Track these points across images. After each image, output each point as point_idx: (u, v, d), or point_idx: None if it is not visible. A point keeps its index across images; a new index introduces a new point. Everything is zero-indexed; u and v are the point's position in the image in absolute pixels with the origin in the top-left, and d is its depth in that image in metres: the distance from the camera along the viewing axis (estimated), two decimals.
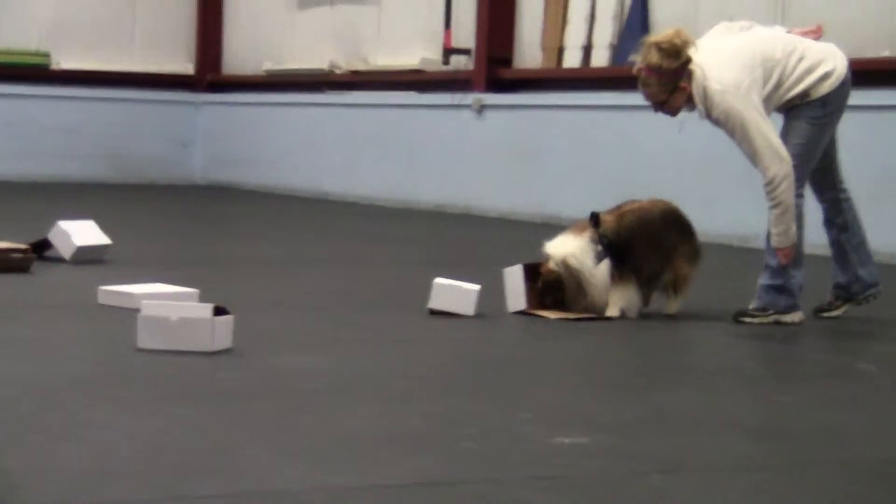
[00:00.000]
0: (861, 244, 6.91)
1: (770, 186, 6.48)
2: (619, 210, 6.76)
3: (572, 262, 6.51)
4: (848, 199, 6.91)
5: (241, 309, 5.45)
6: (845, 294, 6.93)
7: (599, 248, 6.56)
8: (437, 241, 11.04)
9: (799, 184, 6.60)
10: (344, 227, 12.11)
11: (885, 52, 10.59)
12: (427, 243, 10.86)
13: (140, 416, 4.17)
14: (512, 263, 6.76)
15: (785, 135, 6.66)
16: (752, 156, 6.51)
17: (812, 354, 6.20)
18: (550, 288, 6.60)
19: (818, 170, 6.78)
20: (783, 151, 6.46)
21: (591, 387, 5.06)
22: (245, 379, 4.82)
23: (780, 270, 6.61)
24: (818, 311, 6.95)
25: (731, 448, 4.10)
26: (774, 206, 6.50)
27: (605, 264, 6.57)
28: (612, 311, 6.61)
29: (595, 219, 6.65)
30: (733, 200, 11.02)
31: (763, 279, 6.69)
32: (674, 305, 6.80)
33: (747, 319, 6.63)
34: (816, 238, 7.38)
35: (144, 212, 13.14)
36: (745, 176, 11.08)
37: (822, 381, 5.36)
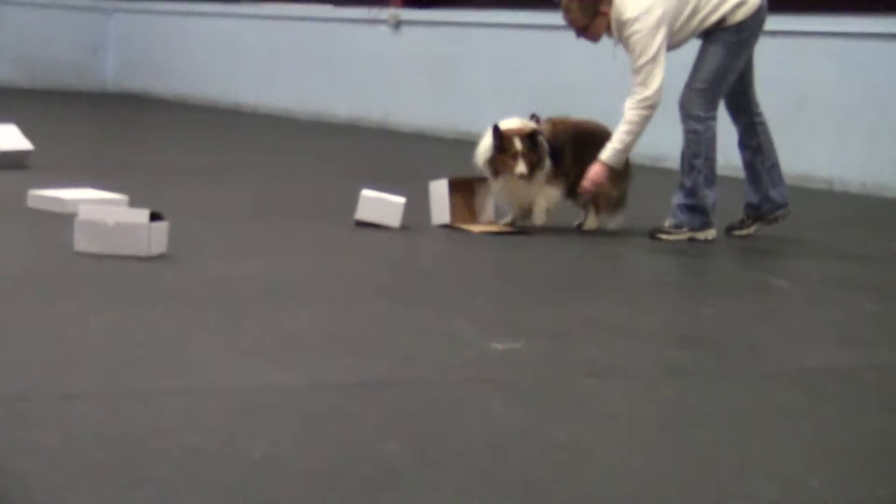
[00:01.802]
0: (773, 166, 7.14)
1: (639, 104, 6.69)
2: (552, 120, 6.92)
3: (540, 138, 6.65)
4: (762, 123, 7.12)
5: (172, 216, 5.54)
6: (756, 213, 7.17)
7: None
8: (356, 155, 11.15)
9: (711, 106, 6.82)
10: (262, 139, 12.17)
11: None
12: (346, 156, 10.96)
13: (88, 315, 4.29)
14: (430, 178, 6.90)
15: (700, 59, 6.85)
16: (637, 72, 6.71)
17: (727, 270, 6.43)
18: (533, 144, 6.62)
19: (734, 93, 6.99)
20: (658, 84, 6.66)
21: (522, 296, 5.24)
22: (184, 283, 4.94)
23: (693, 190, 6.83)
24: (729, 228, 7.19)
25: (657, 354, 4.30)
26: (629, 124, 6.72)
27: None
28: (539, 217, 6.77)
29: (535, 119, 6.82)
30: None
31: (677, 198, 6.90)
32: (592, 221, 6.99)
33: (663, 236, 6.84)
34: (730, 160, 7.61)
35: (60, 118, 13.08)
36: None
37: (740, 294, 5.59)
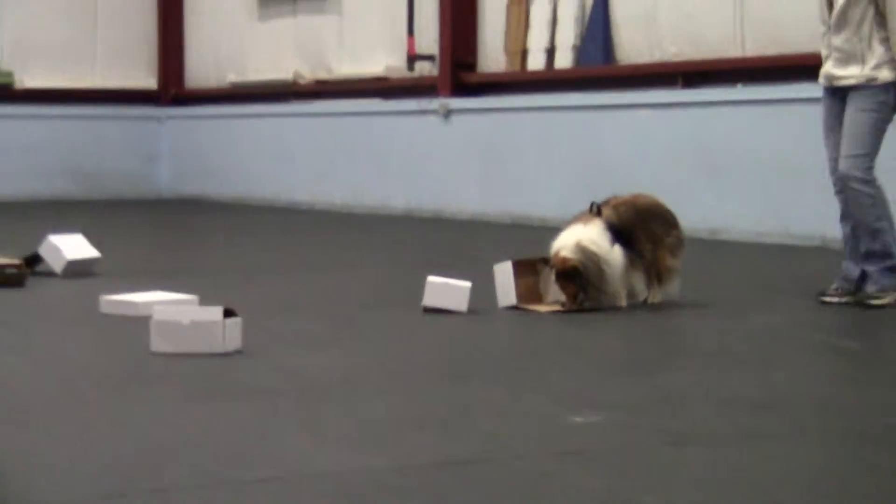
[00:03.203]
0: None
1: None
2: (611, 203, 7.00)
3: (590, 245, 6.69)
4: None
5: (242, 313, 5.64)
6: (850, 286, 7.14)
7: (610, 234, 6.79)
8: (414, 244, 11.26)
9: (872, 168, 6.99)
10: (320, 235, 12.31)
11: None
12: (405, 246, 11.07)
13: (173, 411, 4.38)
14: (490, 262, 6.99)
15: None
16: None
17: (793, 335, 6.45)
18: (569, 277, 6.71)
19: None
20: None
21: (596, 371, 5.30)
22: (262, 376, 5.02)
23: (887, 251, 6.92)
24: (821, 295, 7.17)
25: (733, 420, 4.34)
26: None
27: (619, 249, 6.78)
28: (621, 301, 6.83)
29: (597, 209, 6.90)
30: (701, 195, 11.29)
31: (873, 265, 6.95)
32: (657, 295, 7.04)
33: (875, 301, 6.89)
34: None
35: (120, 226, 13.28)
36: (711, 170, 11.39)
37: (809, 357, 5.61)
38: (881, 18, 6.92)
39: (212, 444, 3.94)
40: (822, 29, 7.16)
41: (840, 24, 6.99)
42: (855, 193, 6.93)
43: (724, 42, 11.80)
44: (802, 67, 11.04)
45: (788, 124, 10.86)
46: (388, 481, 3.57)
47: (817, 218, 10.30)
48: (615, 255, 6.77)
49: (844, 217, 7.11)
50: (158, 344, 5.49)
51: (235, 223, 13.86)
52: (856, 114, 6.96)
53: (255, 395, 4.66)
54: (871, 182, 6.92)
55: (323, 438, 4.02)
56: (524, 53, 13.55)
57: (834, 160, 7.09)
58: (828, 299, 7.09)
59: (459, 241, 11.55)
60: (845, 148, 6.96)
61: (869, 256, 6.96)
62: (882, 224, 6.91)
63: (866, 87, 6.93)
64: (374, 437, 4.06)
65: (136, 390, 4.75)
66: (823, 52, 7.17)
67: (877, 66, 6.92)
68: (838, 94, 7.09)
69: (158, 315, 5.53)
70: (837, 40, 7.02)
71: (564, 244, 6.74)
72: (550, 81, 13.31)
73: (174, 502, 3.37)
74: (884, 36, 6.93)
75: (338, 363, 5.32)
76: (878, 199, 6.91)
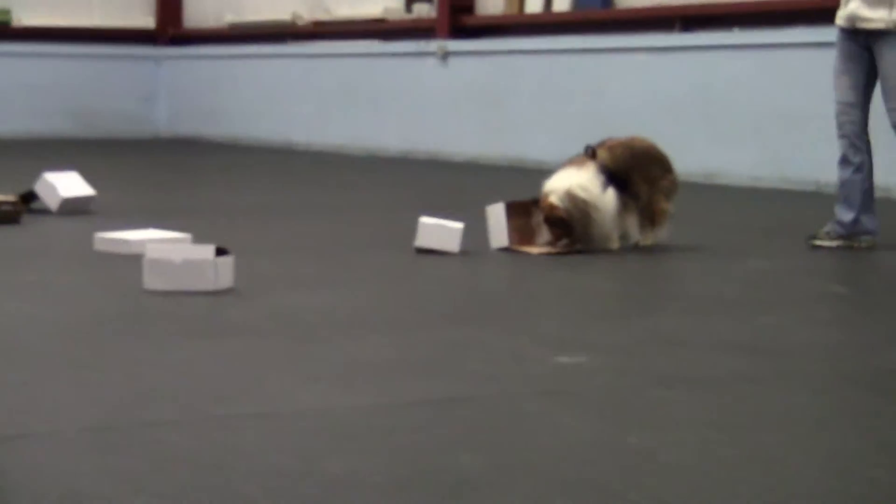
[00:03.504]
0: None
1: None
2: (606, 144, 7.00)
3: (579, 192, 6.69)
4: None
5: (235, 252, 5.66)
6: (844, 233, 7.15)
7: (603, 177, 6.80)
8: (409, 186, 11.27)
9: None
10: (316, 176, 12.32)
11: None
12: (400, 188, 11.09)
13: (163, 349, 4.41)
14: (485, 204, 7.00)
15: None
16: None
17: (785, 281, 6.47)
18: (555, 224, 6.75)
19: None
20: None
21: (585, 313, 5.32)
22: (252, 315, 5.05)
23: None
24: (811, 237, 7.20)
25: (722, 363, 4.37)
26: None
27: (611, 194, 6.79)
28: (613, 244, 6.85)
29: (592, 151, 6.90)
30: (698, 138, 11.30)
31: None
32: (649, 238, 7.06)
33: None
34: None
35: (117, 165, 13.29)
36: (708, 114, 11.39)
37: (800, 303, 5.63)
38: None
39: (199, 381, 3.97)
40: None
41: None
42: None
43: None
44: (799, 12, 11.02)
45: (785, 69, 10.85)
46: (372, 418, 3.60)
47: (812, 163, 10.32)
48: (607, 199, 6.77)
49: (844, 161, 7.10)
50: (151, 281, 5.51)
51: (231, 163, 13.86)
52: (893, 66, 6.91)
53: (244, 334, 4.69)
54: None
55: (310, 377, 4.05)
56: None
57: (844, 104, 7.04)
58: (819, 242, 7.11)
59: (455, 183, 11.56)
60: (892, 100, 6.91)
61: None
62: None
63: (894, 32, 6.88)
64: (361, 376, 4.09)
65: (126, 328, 4.78)
66: None
67: None
68: (859, 38, 7.02)
69: (151, 253, 5.55)
70: None
71: (554, 188, 6.75)
72: (548, 24, 13.29)
73: (159, 436, 3.39)
74: None
75: (328, 303, 5.35)
76: None
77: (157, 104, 18.27)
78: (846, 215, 7.07)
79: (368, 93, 14.97)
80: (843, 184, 7.10)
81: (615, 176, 6.82)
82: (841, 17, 7.08)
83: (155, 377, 4.01)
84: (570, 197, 6.69)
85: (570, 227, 6.72)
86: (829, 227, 7.13)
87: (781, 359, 4.46)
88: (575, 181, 6.73)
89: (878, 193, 7.28)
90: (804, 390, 4.04)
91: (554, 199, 6.71)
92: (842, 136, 7.08)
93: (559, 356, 4.36)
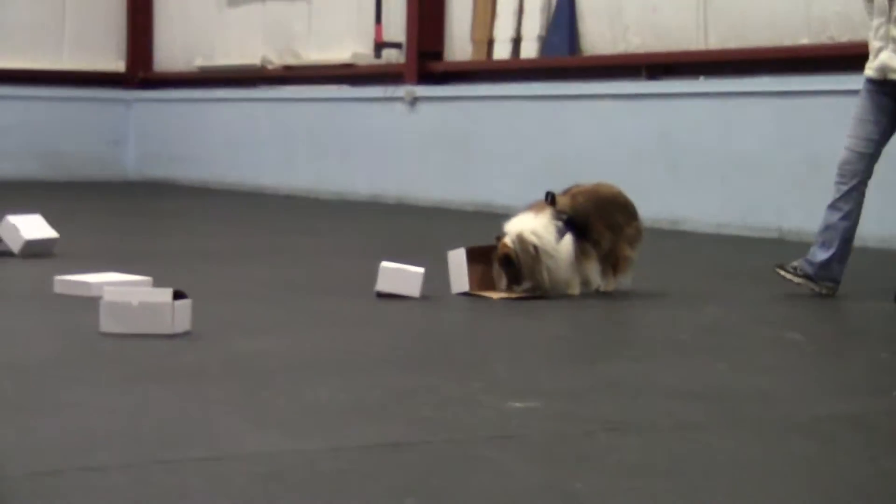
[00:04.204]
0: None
1: None
2: (570, 191, 7.05)
3: (528, 236, 6.74)
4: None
5: (195, 297, 5.66)
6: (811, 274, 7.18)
7: (560, 223, 6.84)
8: (375, 231, 11.29)
9: None
10: (283, 220, 12.33)
11: (804, 41, 10.96)
12: (366, 233, 11.10)
13: (113, 393, 4.40)
14: (448, 249, 7.02)
15: None
16: None
17: (741, 327, 6.50)
18: (502, 263, 6.81)
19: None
20: None
21: (540, 359, 5.34)
22: (207, 359, 5.05)
23: None
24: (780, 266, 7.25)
25: (672, 410, 4.38)
26: None
27: (568, 240, 6.82)
28: (574, 290, 6.88)
29: (551, 197, 6.94)
30: (662, 185, 11.36)
31: None
32: (611, 284, 7.09)
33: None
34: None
35: (84, 208, 13.27)
36: (673, 161, 11.45)
37: (754, 349, 5.66)
38: None
39: (149, 425, 3.97)
40: (876, 20, 7.05)
41: None
42: None
43: (688, 35, 11.86)
44: (764, 61, 11.12)
45: (749, 117, 10.93)
46: (320, 463, 3.60)
47: (776, 210, 10.38)
48: (562, 245, 6.81)
49: (834, 207, 7.11)
50: (108, 324, 5.51)
51: (199, 207, 13.86)
52: None
53: (197, 378, 4.69)
54: None
55: (260, 421, 4.05)
56: (490, 43, 13.59)
57: (857, 153, 7.04)
58: (784, 273, 7.17)
59: (421, 227, 11.58)
60: None
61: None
62: None
63: None
64: (312, 420, 4.09)
65: (79, 371, 4.77)
66: (876, 44, 7.04)
67: None
68: (887, 88, 7.04)
69: (108, 296, 5.55)
70: None
71: (509, 231, 6.81)
72: (516, 71, 13.36)
73: (108, 480, 3.39)
74: None
75: (285, 348, 5.35)
76: None
77: (127, 147, 18.27)
78: (820, 255, 7.11)
79: (337, 137, 15.02)
80: (827, 227, 7.12)
81: (574, 222, 6.86)
82: (871, 68, 7.08)
83: (104, 421, 4.01)
84: (521, 241, 6.74)
85: (516, 269, 6.77)
86: (798, 263, 7.18)
87: (732, 406, 4.48)
88: (528, 226, 6.78)
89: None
90: (753, 438, 4.06)
91: (506, 240, 6.77)
92: (841, 183, 7.09)
93: (512, 402, 4.37)
